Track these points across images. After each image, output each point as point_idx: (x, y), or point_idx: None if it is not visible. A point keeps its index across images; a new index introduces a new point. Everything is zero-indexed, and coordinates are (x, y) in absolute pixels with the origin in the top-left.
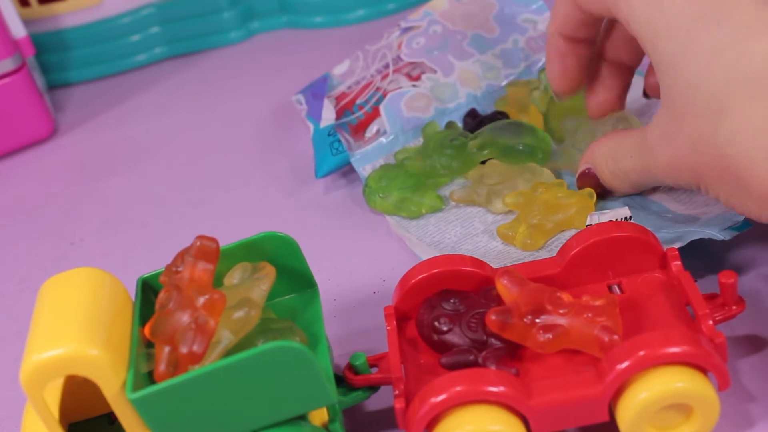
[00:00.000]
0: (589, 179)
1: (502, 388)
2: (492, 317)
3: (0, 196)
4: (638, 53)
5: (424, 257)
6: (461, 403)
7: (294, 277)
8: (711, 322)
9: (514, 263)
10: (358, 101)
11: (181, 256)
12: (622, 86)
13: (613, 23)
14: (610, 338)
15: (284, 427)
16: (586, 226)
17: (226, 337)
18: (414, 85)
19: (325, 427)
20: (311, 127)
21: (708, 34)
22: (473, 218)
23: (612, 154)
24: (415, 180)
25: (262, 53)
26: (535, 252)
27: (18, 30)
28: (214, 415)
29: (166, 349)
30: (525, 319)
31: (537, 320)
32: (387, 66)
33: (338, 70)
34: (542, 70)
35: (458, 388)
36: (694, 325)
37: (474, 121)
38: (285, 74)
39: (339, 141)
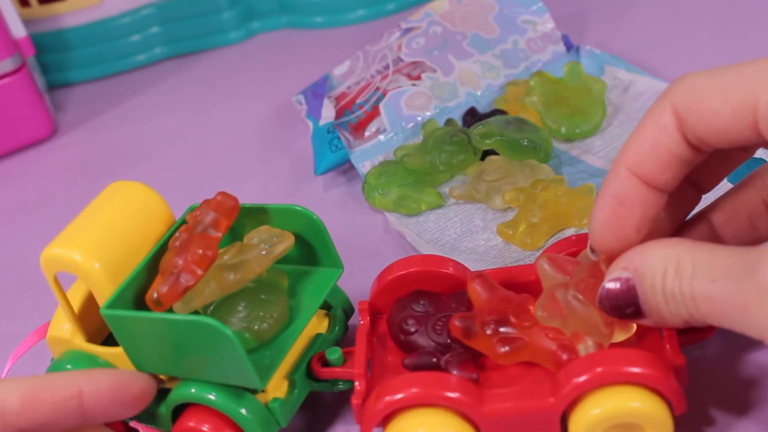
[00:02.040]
0: (621, 298)
1: (456, 394)
2: (455, 323)
3: (0, 196)
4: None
5: (425, 253)
6: (416, 404)
7: (323, 253)
8: (676, 343)
9: (516, 263)
10: (358, 101)
11: (207, 203)
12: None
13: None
14: (568, 357)
15: (226, 392)
16: None
17: (211, 289)
18: (414, 84)
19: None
20: (311, 125)
21: None
22: (473, 215)
23: (679, 267)
24: (415, 177)
25: (262, 53)
26: (535, 251)
27: (18, 30)
28: (162, 352)
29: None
30: (487, 329)
31: (500, 329)
32: (387, 67)
33: (338, 70)
34: (535, 73)
35: (414, 390)
36: (660, 343)
37: (473, 119)
38: (285, 74)
39: (338, 138)
